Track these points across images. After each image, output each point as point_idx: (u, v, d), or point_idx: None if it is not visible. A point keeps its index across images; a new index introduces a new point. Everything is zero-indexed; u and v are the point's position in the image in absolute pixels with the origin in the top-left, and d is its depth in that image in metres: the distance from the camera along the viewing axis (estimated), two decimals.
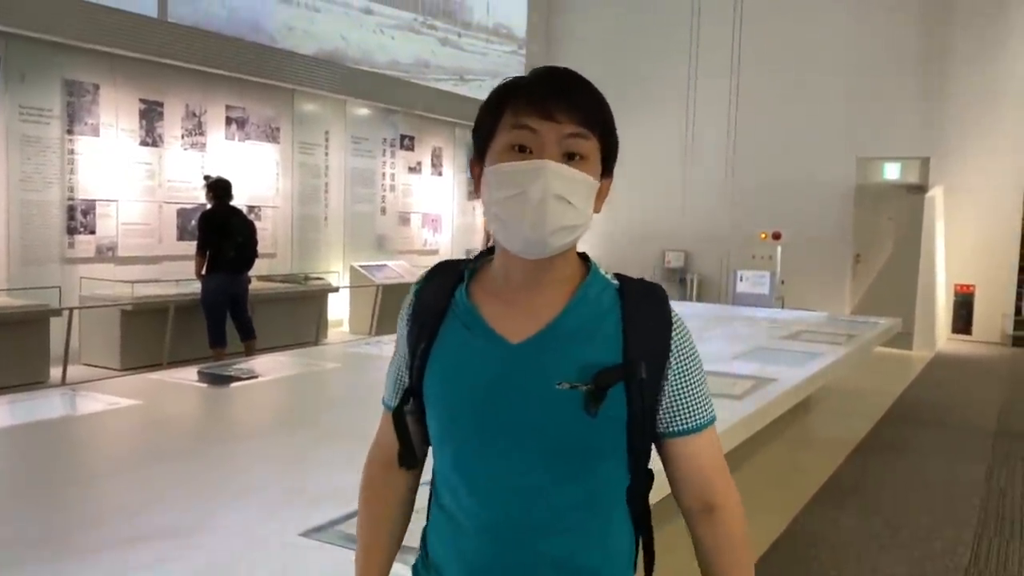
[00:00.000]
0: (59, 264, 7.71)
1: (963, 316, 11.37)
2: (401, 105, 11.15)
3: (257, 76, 9.04)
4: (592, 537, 1.18)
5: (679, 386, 1.19)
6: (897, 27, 11.53)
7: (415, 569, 1.28)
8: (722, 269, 12.63)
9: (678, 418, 1.20)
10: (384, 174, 11.34)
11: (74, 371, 7.07)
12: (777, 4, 12.25)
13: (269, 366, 4.81)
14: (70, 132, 7.71)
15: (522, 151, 1.12)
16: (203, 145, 8.88)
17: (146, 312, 7.56)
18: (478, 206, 11.37)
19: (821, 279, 11.91)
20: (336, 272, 10.37)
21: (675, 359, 1.19)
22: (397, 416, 1.25)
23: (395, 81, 11.30)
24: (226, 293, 7.22)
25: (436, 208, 12.29)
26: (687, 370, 1.20)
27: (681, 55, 12.83)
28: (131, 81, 8.16)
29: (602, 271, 1.24)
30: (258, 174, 9.49)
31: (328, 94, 10.15)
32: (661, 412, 1.19)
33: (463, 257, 1.36)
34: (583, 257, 1.25)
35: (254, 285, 7.77)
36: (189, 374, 4.39)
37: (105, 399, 3.70)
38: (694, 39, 12.72)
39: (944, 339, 11.14)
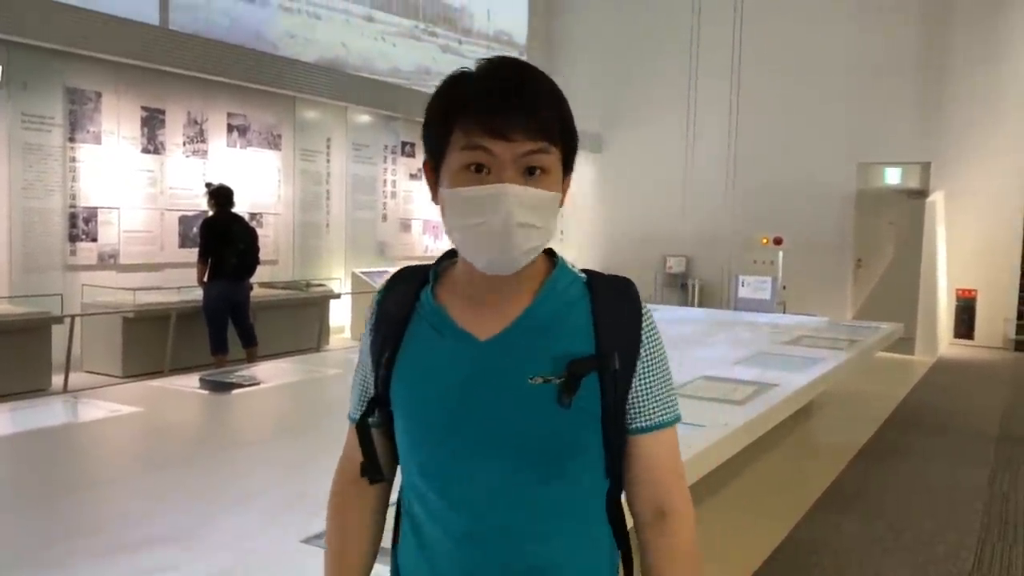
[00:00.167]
0: (61, 271, 7.72)
1: (965, 321, 11.36)
2: (402, 112, 11.17)
3: (258, 83, 9.06)
4: (572, 544, 1.14)
5: (647, 380, 1.16)
6: (897, 31, 11.55)
7: None
8: (723, 274, 12.64)
9: (642, 414, 1.16)
10: (385, 181, 11.36)
11: (76, 378, 7.07)
12: (777, 8, 12.28)
13: (271, 373, 4.81)
14: (72, 140, 7.73)
15: (479, 170, 1.07)
16: (205, 152, 8.90)
17: (148, 319, 7.57)
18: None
19: (822, 284, 11.91)
20: (338, 279, 10.38)
21: (645, 351, 1.16)
22: (361, 427, 1.21)
23: (396, 88, 11.33)
24: (228, 300, 7.23)
25: (437, 215, 12.20)
26: (655, 364, 1.17)
27: (681, 60, 12.86)
28: (133, 89, 8.18)
29: (569, 265, 1.21)
30: (260, 181, 9.51)
31: (329, 101, 10.16)
32: (627, 406, 1.15)
33: None
34: (549, 252, 1.21)
35: (256, 292, 7.78)
36: (191, 381, 4.39)
37: (107, 406, 3.70)
38: (694, 43, 12.74)
39: (946, 344, 11.13)
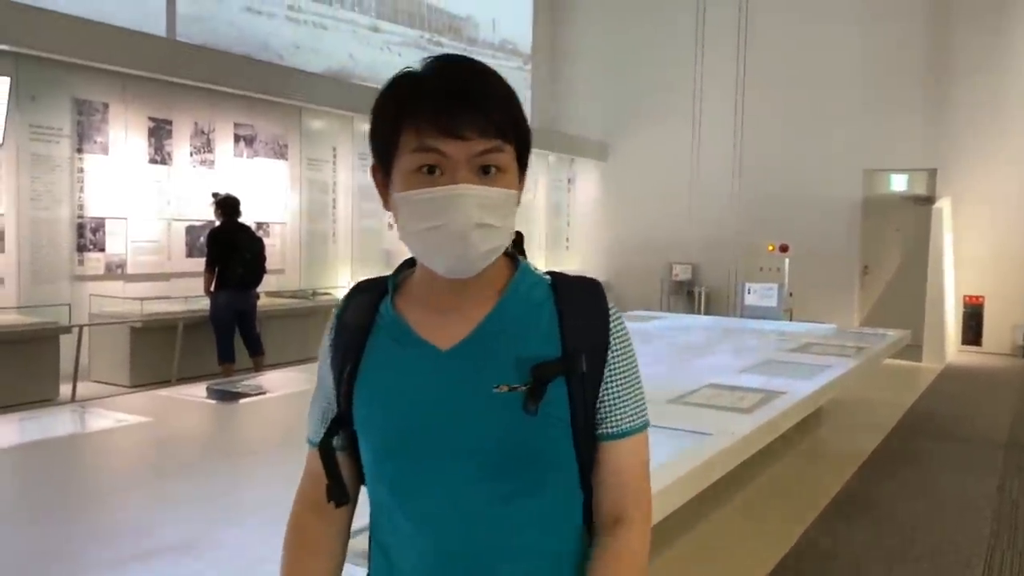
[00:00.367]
0: (69, 282, 7.75)
1: (973, 327, 11.32)
2: None
3: (265, 94, 9.10)
4: (548, 562, 1.09)
5: (616, 384, 1.11)
6: (902, 38, 11.55)
7: None
8: (730, 281, 12.62)
9: (610, 419, 1.10)
10: None
11: (84, 388, 7.10)
12: (782, 15, 12.29)
13: (278, 382, 4.82)
14: (80, 150, 7.77)
15: (431, 172, 1.03)
16: (212, 162, 8.93)
17: (155, 329, 7.59)
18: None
19: (829, 291, 11.88)
20: (344, 287, 10.38)
21: (614, 354, 1.10)
22: (324, 448, 1.14)
23: None
24: (234, 309, 7.25)
25: None
26: (624, 367, 1.12)
27: (686, 67, 12.87)
28: (140, 99, 8.22)
29: (532, 268, 1.16)
30: (266, 191, 9.54)
31: (336, 111, 10.20)
32: (596, 411, 1.10)
33: None
34: (512, 255, 1.16)
35: (263, 301, 7.80)
36: (198, 391, 4.40)
37: (114, 416, 3.71)
38: (699, 51, 12.75)
39: (954, 351, 11.09)
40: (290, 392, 4.52)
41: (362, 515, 1.20)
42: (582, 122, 14.15)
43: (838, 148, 11.94)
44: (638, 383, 1.14)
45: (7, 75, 6.96)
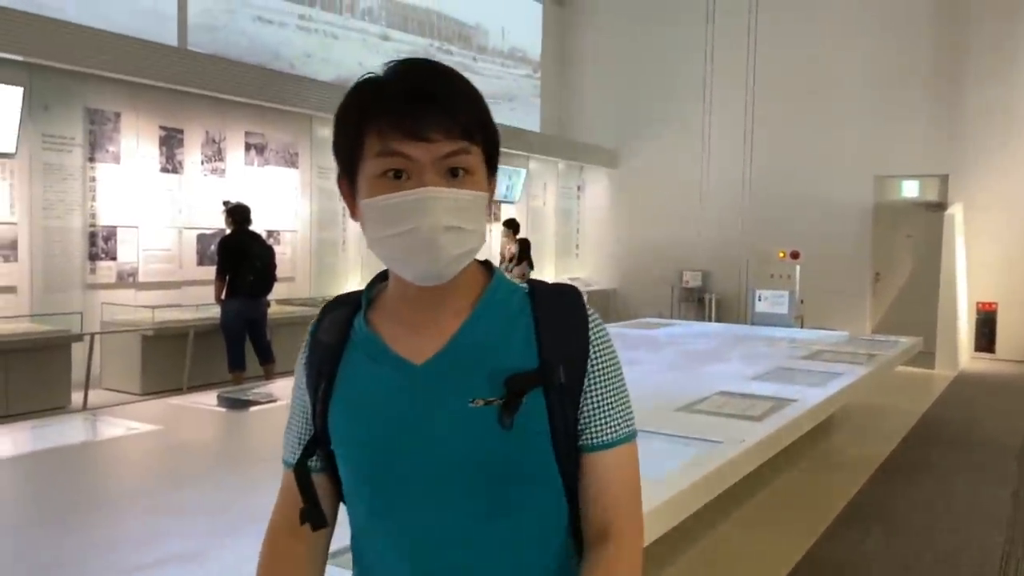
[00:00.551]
0: (81, 290, 7.79)
1: (986, 334, 11.25)
2: None
3: (276, 103, 9.14)
4: None
5: (598, 394, 1.06)
6: (912, 44, 11.52)
7: None
8: (740, 289, 12.58)
9: (593, 429, 1.06)
10: None
11: (95, 396, 7.13)
12: (792, 23, 12.28)
13: (288, 390, 4.80)
14: (92, 159, 7.82)
15: (397, 176, 0.99)
16: (222, 171, 8.98)
17: (166, 337, 7.62)
18: (495, 227, 11.41)
19: (841, 298, 11.83)
20: None
21: (594, 363, 1.06)
22: (300, 470, 1.11)
23: None
24: (245, 317, 7.27)
25: None
26: (607, 376, 1.08)
27: (696, 74, 12.86)
28: (151, 109, 8.27)
29: (507, 277, 1.13)
30: (277, 199, 9.57)
31: None
32: (578, 423, 1.06)
33: None
34: (487, 265, 1.13)
35: (273, 309, 7.82)
36: (209, 399, 4.40)
37: (125, 424, 3.72)
38: (709, 58, 12.75)
39: (967, 358, 11.01)
40: None
41: (343, 536, 1.17)
42: (591, 129, 14.16)
43: (849, 154, 11.91)
44: (622, 393, 1.10)
45: (20, 85, 7.02)
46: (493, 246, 12.28)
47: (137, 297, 8.16)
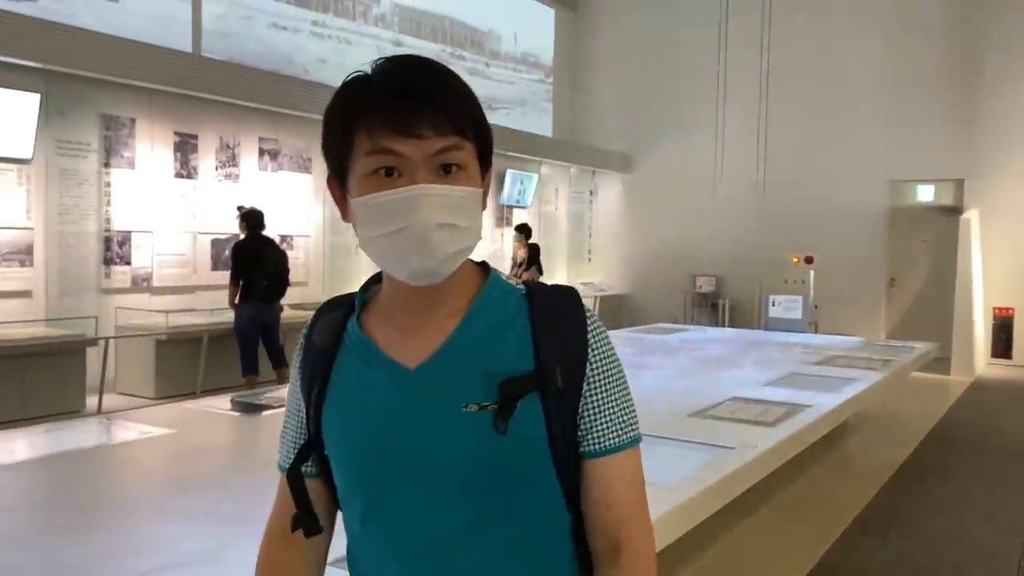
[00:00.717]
0: (96, 294, 7.84)
1: (1003, 340, 11.15)
2: None
3: (289, 108, 9.17)
4: None
5: (597, 398, 1.03)
6: (928, 47, 11.46)
7: None
8: (754, 294, 12.53)
9: (593, 434, 1.03)
10: None
11: (109, 400, 7.16)
12: (806, 26, 12.24)
13: None
14: (107, 165, 7.87)
15: (388, 174, 0.97)
16: (236, 176, 9.02)
17: (180, 341, 7.65)
18: (507, 232, 11.41)
19: (855, 303, 11.76)
20: None
21: (593, 366, 1.03)
22: (292, 474, 1.09)
23: None
24: (258, 322, 7.30)
25: None
26: (607, 378, 1.04)
27: (709, 79, 12.83)
28: (166, 115, 8.32)
29: (505, 278, 1.10)
30: (290, 204, 9.61)
31: None
32: (577, 429, 1.03)
33: None
34: (484, 266, 1.10)
35: (286, 313, 7.85)
36: (222, 403, 4.42)
37: (139, 428, 3.74)
38: (722, 62, 12.71)
39: (983, 363, 10.93)
40: None
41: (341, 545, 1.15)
42: (604, 134, 14.15)
43: (863, 158, 11.85)
44: (624, 397, 1.06)
45: (37, 91, 7.08)
46: (506, 251, 12.30)
47: (151, 302, 8.21)
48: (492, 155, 1.06)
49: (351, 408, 1.05)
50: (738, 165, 12.71)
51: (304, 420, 1.11)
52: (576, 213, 14.42)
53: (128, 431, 3.76)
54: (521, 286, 1.09)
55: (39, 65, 7.01)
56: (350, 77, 1.02)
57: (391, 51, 11.46)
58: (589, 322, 1.05)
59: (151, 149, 8.22)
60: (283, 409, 1.19)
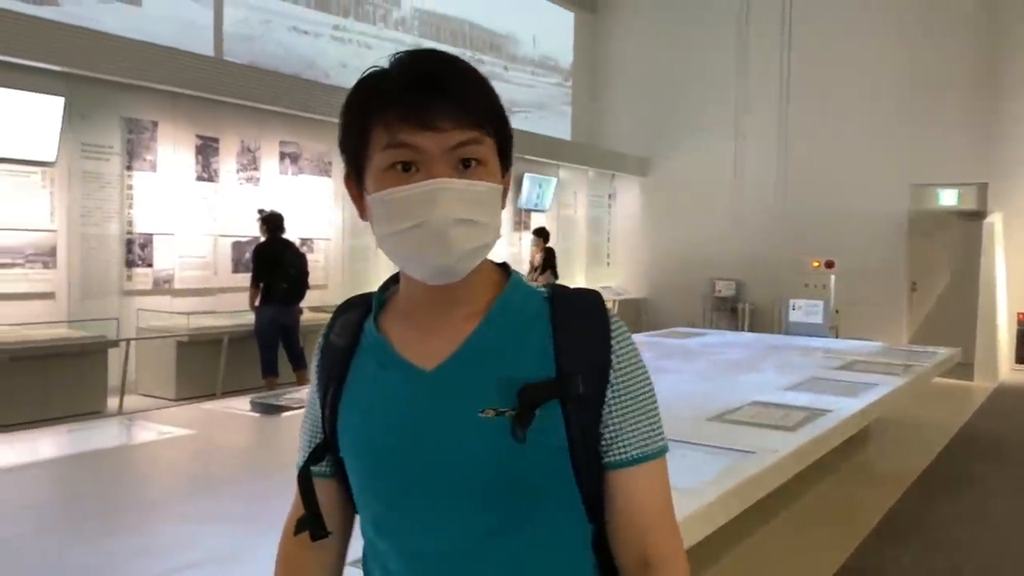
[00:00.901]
0: (118, 296, 7.91)
1: None
2: None
3: (310, 112, 9.22)
4: None
5: (621, 406, 0.99)
6: (950, 50, 11.35)
7: None
8: (774, 298, 12.44)
9: (618, 445, 0.99)
10: None
11: (130, 401, 7.22)
12: (826, 28, 12.15)
13: None
14: (129, 168, 7.94)
15: (406, 169, 0.94)
16: (257, 180, 9.07)
17: (201, 343, 7.71)
18: (525, 236, 11.41)
19: (876, 308, 11.66)
20: None
21: (617, 373, 1.00)
22: (303, 476, 1.07)
23: None
24: (278, 324, 7.34)
25: None
26: (631, 387, 1.00)
27: (728, 83, 12.78)
28: (188, 118, 8.39)
29: (526, 280, 1.07)
30: (311, 207, 9.66)
31: None
32: (600, 438, 1.00)
33: None
34: (505, 267, 1.07)
35: (306, 316, 7.88)
36: (242, 404, 4.44)
37: (159, 428, 3.76)
38: (742, 66, 12.66)
39: (1007, 369, 10.80)
40: None
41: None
42: (623, 137, 14.11)
43: (884, 162, 11.74)
44: (650, 405, 1.02)
45: (60, 95, 7.16)
46: (523, 255, 12.30)
47: (172, 304, 8.27)
48: (512, 152, 1.03)
49: (366, 410, 1.03)
50: (757, 168, 12.64)
51: (320, 421, 1.09)
52: (595, 217, 14.40)
53: (148, 432, 3.78)
54: (543, 289, 1.06)
55: (62, 69, 7.09)
56: (367, 71, 1.00)
57: None
58: (613, 326, 1.02)
59: (173, 152, 8.29)
60: (303, 411, 1.18)
